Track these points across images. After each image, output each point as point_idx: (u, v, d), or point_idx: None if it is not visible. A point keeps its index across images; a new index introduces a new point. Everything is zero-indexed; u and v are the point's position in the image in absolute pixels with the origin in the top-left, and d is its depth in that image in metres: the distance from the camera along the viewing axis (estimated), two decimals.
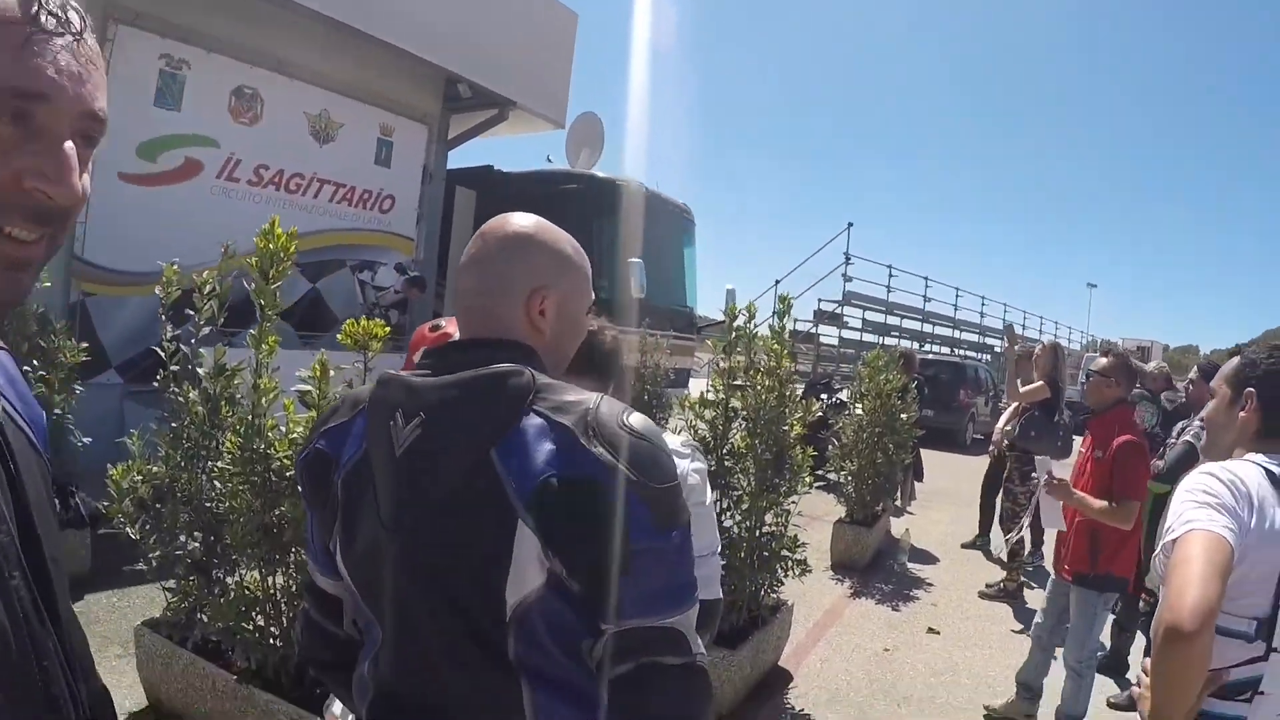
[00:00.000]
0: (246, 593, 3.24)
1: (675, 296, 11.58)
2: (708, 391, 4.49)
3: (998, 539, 7.12)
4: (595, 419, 1.09)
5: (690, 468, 2.27)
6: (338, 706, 1.90)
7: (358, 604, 1.24)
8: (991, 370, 21.18)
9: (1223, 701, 1.71)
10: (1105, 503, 3.73)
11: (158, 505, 3.47)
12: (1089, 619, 3.89)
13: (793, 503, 4.57)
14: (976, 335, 28.84)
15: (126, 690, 3.73)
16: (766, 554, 4.41)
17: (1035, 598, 6.04)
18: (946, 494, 10.16)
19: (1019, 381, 6.67)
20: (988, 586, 6.68)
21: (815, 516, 8.22)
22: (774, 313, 4.62)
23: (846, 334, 21.49)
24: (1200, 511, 1.66)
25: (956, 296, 26.73)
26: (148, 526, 3.44)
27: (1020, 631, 5.62)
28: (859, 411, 7.48)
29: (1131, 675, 4.70)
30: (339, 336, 3.12)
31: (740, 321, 4.38)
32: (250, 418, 3.09)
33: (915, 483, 9.69)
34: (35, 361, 5.02)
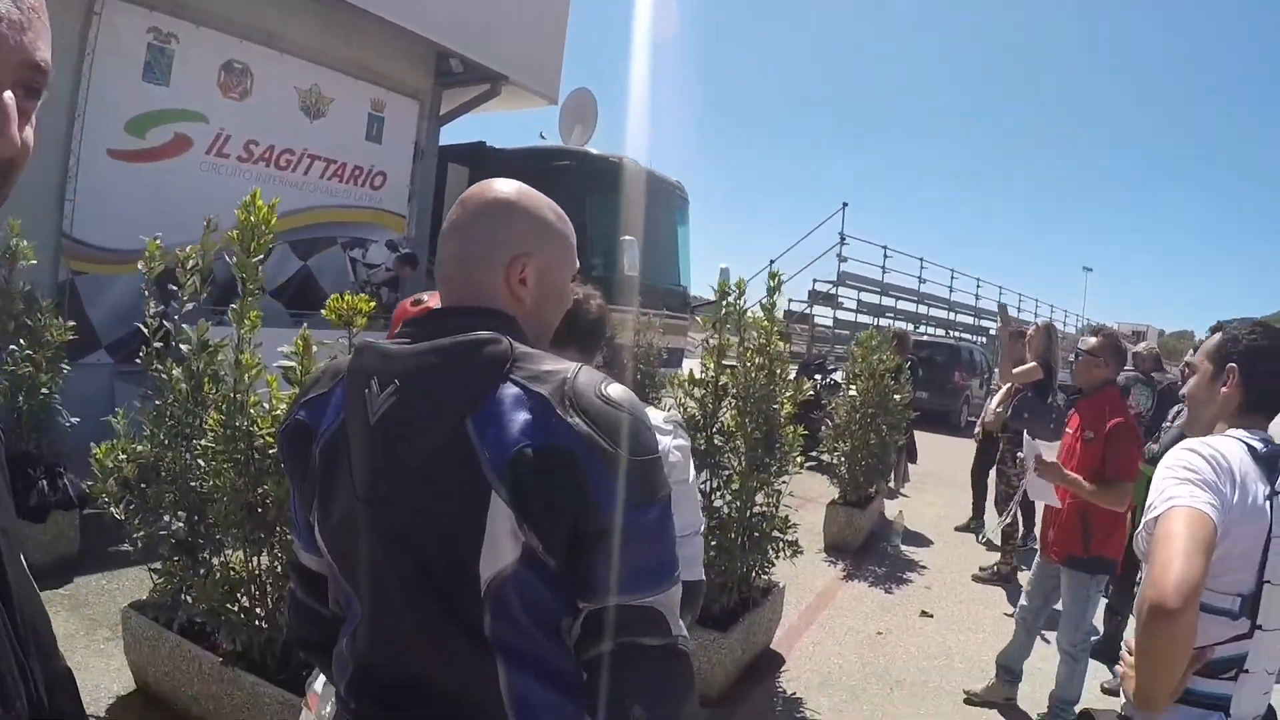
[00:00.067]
0: (232, 573, 3.20)
1: (669, 275, 11.51)
2: (698, 370, 4.45)
3: (993, 521, 7.11)
4: (572, 388, 1.06)
5: (671, 444, 2.24)
6: (319, 683, 1.87)
7: (337, 579, 1.21)
8: (986, 353, 21.18)
9: (1207, 680, 1.69)
10: (1097, 484, 3.70)
11: (143, 485, 3.43)
12: (1081, 602, 3.87)
13: (783, 483, 4.54)
14: (972, 317, 28.83)
15: (115, 673, 3.71)
16: (757, 534, 4.38)
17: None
18: (941, 476, 10.15)
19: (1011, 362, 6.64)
20: (981, 570, 6.67)
21: (809, 498, 8.20)
22: (766, 290, 4.57)
23: (841, 315, 21.47)
24: (1182, 488, 1.64)
25: (952, 278, 26.69)
26: (132, 507, 3.40)
27: (1014, 615, 5.61)
28: (852, 392, 7.44)
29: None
30: (324, 312, 3.07)
31: (731, 299, 4.32)
32: (233, 394, 3.04)
33: (909, 464, 9.68)
34: (22, 340, 4.96)
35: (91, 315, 6.61)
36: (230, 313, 3.10)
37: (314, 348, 2.90)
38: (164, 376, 3.36)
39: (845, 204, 20.28)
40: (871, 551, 7.13)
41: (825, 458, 7.50)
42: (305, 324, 3.03)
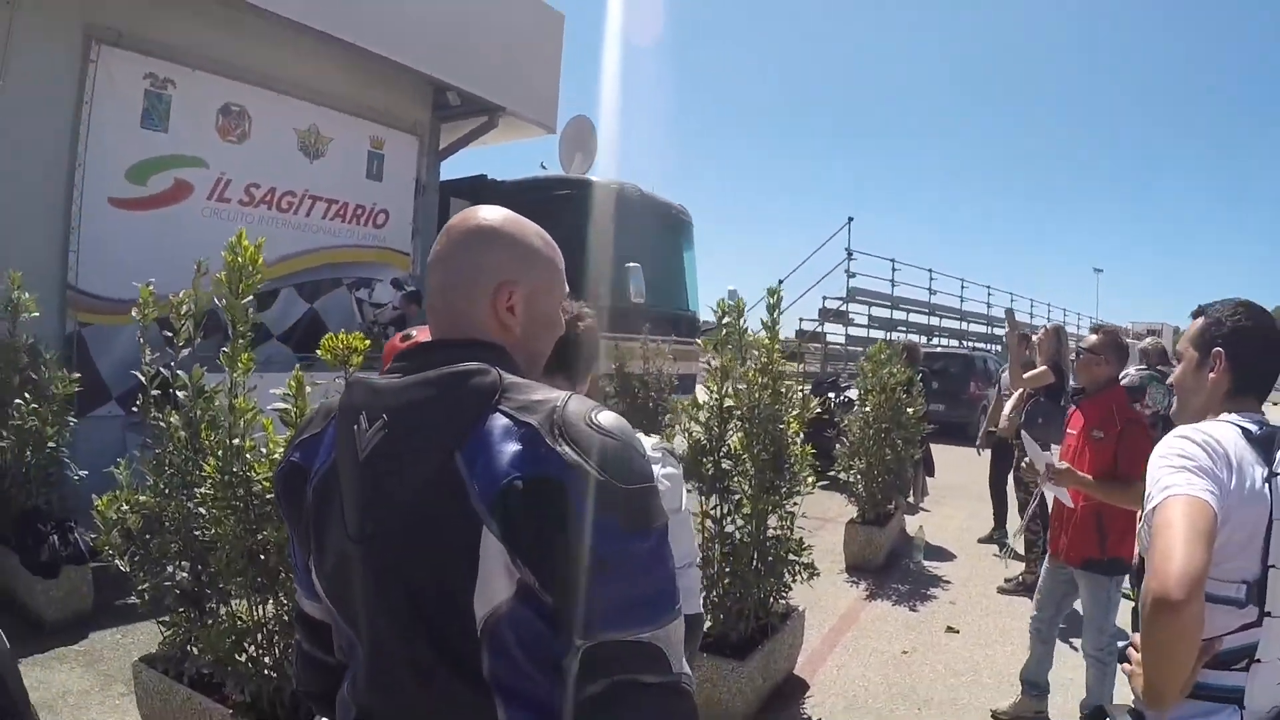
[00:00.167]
0: (239, 622, 3.15)
1: (676, 300, 11.47)
2: (692, 392, 4.39)
3: (1015, 530, 6.99)
4: (562, 417, 1.03)
5: (660, 473, 2.17)
6: None
7: (338, 623, 1.17)
8: (1000, 361, 21.06)
9: (1218, 672, 1.62)
10: (1111, 484, 3.62)
11: (147, 536, 3.39)
12: (1103, 604, 3.78)
13: (794, 504, 4.45)
14: (984, 326, 28.71)
15: None
16: (771, 558, 4.29)
17: None
18: (961, 489, 10.01)
19: (1021, 367, 6.56)
20: (1006, 581, 6.55)
21: (828, 519, 8.12)
22: (766, 307, 4.50)
23: (853, 331, 21.42)
24: (1178, 476, 1.58)
25: (962, 288, 26.64)
26: (137, 558, 3.36)
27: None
28: (865, 408, 7.36)
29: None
30: (319, 352, 3.03)
31: (730, 319, 4.26)
32: (228, 440, 3.00)
33: (927, 478, 9.57)
34: (27, 394, 4.95)
35: (100, 366, 6.57)
36: (222, 356, 3.06)
37: (308, 389, 2.85)
38: (162, 425, 3.32)
39: (851, 218, 20.20)
40: (894, 569, 7.01)
41: (841, 476, 7.41)
42: (297, 365, 2.97)
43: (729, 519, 4.28)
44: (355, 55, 8.05)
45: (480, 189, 10.67)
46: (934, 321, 25.94)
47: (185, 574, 3.25)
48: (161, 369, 3.44)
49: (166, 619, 3.37)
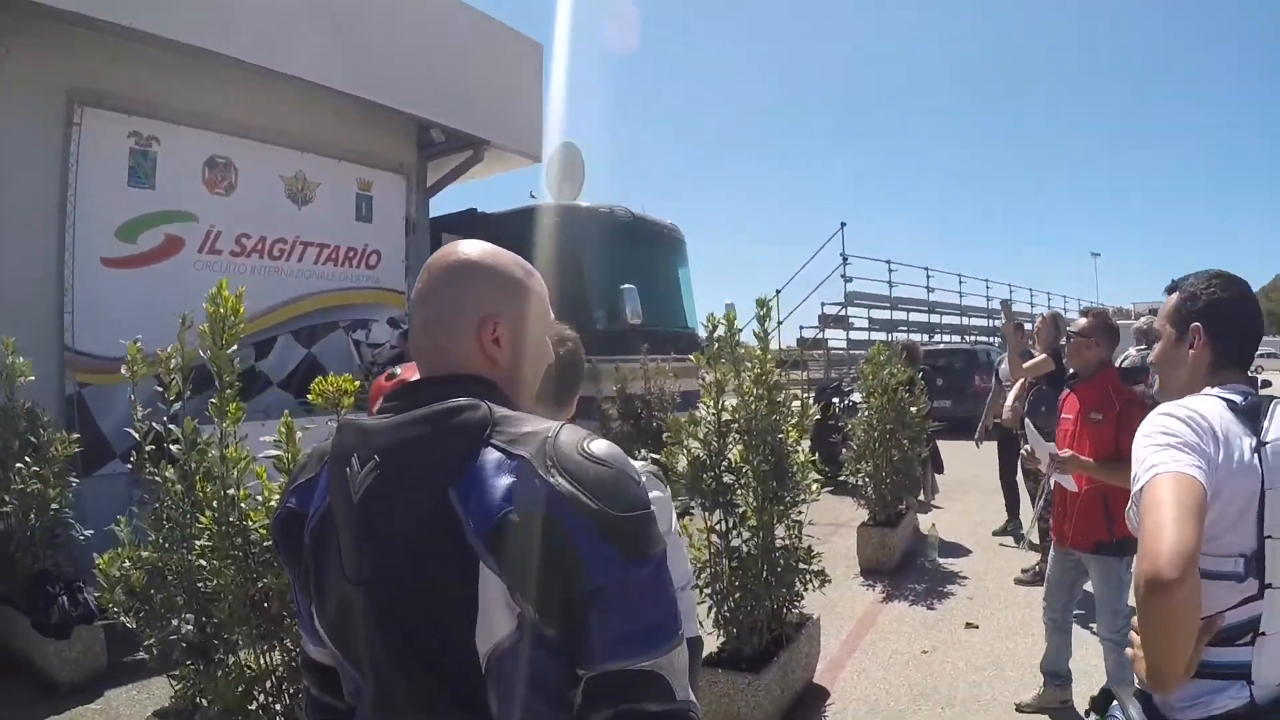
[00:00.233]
0: (247, 671, 3.14)
1: (674, 318, 11.47)
2: (696, 409, 4.38)
3: (1029, 520, 6.96)
4: (554, 448, 1.03)
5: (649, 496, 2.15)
6: None
7: (344, 667, 1.16)
8: (1000, 352, 21.03)
9: (1222, 648, 1.59)
10: (1115, 465, 3.59)
11: (151, 591, 3.39)
12: (1114, 586, 3.75)
13: (799, 513, 4.43)
14: (985, 319, 28.68)
15: None
16: (781, 569, 4.26)
17: None
18: (971, 483, 9.97)
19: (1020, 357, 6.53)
20: (1023, 572, 6.52)
21: (840, 523, 8.11)
22: (757, 319, 4.49)
23: (854, 335, 21.38)
24: (1163, 454, 1.56)
25: (960, 283, 26.62)
26: (142, 614, 3.36)
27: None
28: (867, 411, 7.34)
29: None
30: (309, 396, 3.04)
31: (721, 331, 4.26)
32: (222, 491, 3.00)
33: (936, 475, 9.55)
34: (27, 458, 4.96)
35: (103, 425, 6.59)
36: (210, 407, 3.07)
37: (299, 433, 2.86)
38: (158, 480, 3.33)
39: (843, 224, 20.21)
40: (909, 569, 6.98)
41: (850, 480, 7.38)
42: (286, 412, 2.97)
43: (735, 532, 4.26)
44: (337, 100, 8.12)
45: (471, 223, 10.72)
46: (934, 319, 25.92)
47: (190, 626, 3.24)
48: (154, 424, 3.45)
49: (176, 672, 3.36)
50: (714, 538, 4.24)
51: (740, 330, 4.43)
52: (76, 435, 5.26)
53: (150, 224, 7.05)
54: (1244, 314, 1.82)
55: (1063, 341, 4.29)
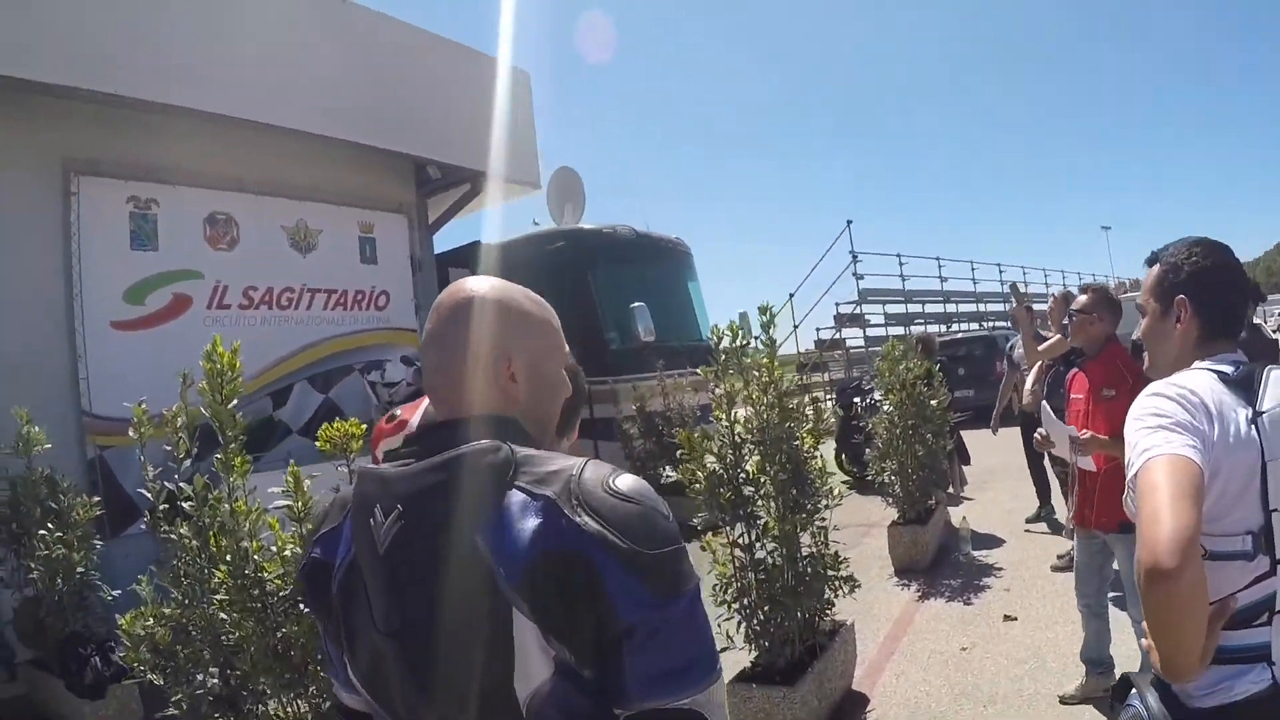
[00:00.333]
0: None
1: (687, 332, 11.46)
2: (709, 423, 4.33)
3: (1062, 505, 6.86)
4: (579, 486, 1.01)
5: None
6: None
7: (379, 715, 1.14)
8: (1013, 335, 20.90)
9: (1239, 631, 1.52)
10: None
11: (177, 647, 3.39)
12: None
13: (822, 519, 4.38)
14: (1001, 304, 28.51)
15: None
16: (809, 577, 4.20)
17: None
18: (1000, 471, 9.84)
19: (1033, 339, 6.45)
20: (1059, 558, 6.40)
21: (871, 523, 8.04)
22: (760, 326, 4.44)
23: (871, 332, 21.31)
24: (1155, 436, 1.49)
25: (973, 270, 26.50)
26: (168, 670, 3.36)
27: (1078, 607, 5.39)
28: (887, 407, 7.27)
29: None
30: (317, 443, 3.04)
31: (726, 343, 4.22)
32: (235, 544, 3.00)
33: (963, 467, 9.45)
34: (50, 524, 5.00)
35: (126, 487, 6.64)
36: (216, 463, 3.06)
37: (306, 481, 2.85)
38: (172, 538, 3.33)
39: (850, 222, 20.20)
40: (944, 565, 6.89)
41: (876, 479, 7.31)
42: (291, 461, 2.97)
43: (759, 544, 4.21)
44: (331, 147, 8.19)
45: (476, 255, 10.77)
46: (950, 309, 25.80)
47: (216, 679, 3.23)
48: (167, 483, 3.46)
49: None
50: (737, 551, 4.19)
51: (749, 341, 4.39)
52: (97, 499, 5.32)
53: (157, 285, 7.13)
54: (1228, 281, 1.75)
55: (1065, 321, 4.22)
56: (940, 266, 24.09)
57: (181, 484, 3.23)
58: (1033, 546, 7.09)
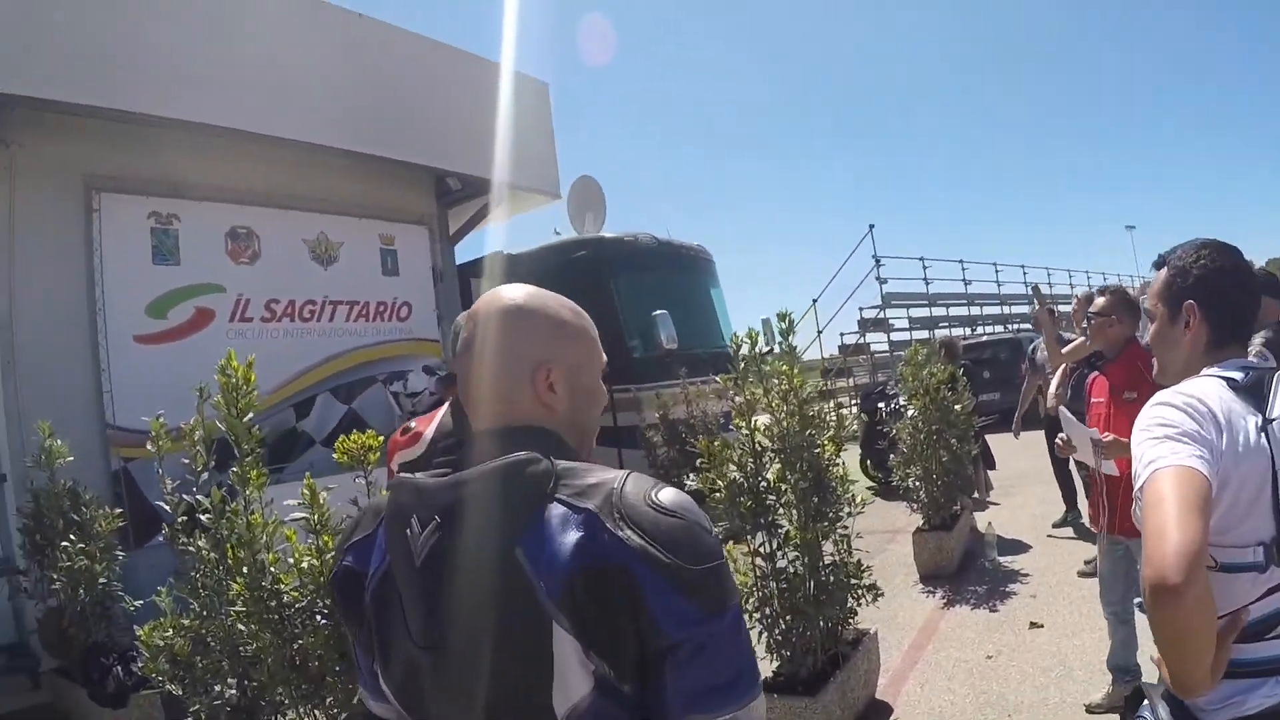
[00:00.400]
0: None
1: (711, 339, 11.42)
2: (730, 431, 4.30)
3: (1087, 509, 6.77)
4: (620, 499, 0.99)
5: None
6: None
7: None
8: (1036, 337, 20.73)
9: (1252, 644, 1.47)
10: None
11: (196, 658, 3.40)
12: None
13: (844, 527, 4.33)
14: (1026, 306, 28.25)
15: None
16: (831, 586, 4.15)
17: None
18: (1027, 475, 9.73)
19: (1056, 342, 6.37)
20: (1086, 563, 6.30)
21: (896, 529, 7.96)
22: (778, 333, 4.41)
23: (895, 336, 21.17)
24: (1161, 447, 1.45)
25: (997, 271, 26.25)
26: (186, 681, 3.37)
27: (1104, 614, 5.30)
28: (911, 412, 7.21)
29: None
30: (334, 455, 3.04)
31: (745, 350, 4.19)
32: (252, 556, 3.00)
33: (988, 472, 9.35)
34: (73, 536, 5.05)
35: (150, 498, 6.69)
36: (232, 476, 3.07)
37: (322, 493, 2.86)
38: (190, 550, 3.35)
39: (872, 225, 20.10)
40: (969, 571, 6.81)
41: (900, 485, 7.24)
42: (307, 473, 2.98)
43: (780, 553, 4.17)
44: (352, 160, 8.26)
45: (497, 265, 10.80)
46: (974, 311, 25.60)
47: (234, 690, 3.24)
48: (185, 496, 3.48)
49: None
50: (759, 561, 4.15)
51: (772, 347, 4.36)
52: (119, 511, 5.38)
53: (179, 299, 7.21)
54: (1238, 284, 1.69)
55: (1083, 324, 4.16)
56: (964, 269, 23.94)
57: (199, 497, 3.24)
58: (1059, 552, 7.00)
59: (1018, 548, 7.31)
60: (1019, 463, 9.80)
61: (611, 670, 0.96)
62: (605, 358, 1.25)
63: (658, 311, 9.93)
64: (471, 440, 1.11)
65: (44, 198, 6.46)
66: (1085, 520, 7.08)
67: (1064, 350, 6.08)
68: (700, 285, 11.99)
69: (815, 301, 20.65)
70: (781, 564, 4.13)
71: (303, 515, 2.87)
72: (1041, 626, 5.29)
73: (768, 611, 4.10)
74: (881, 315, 20.72)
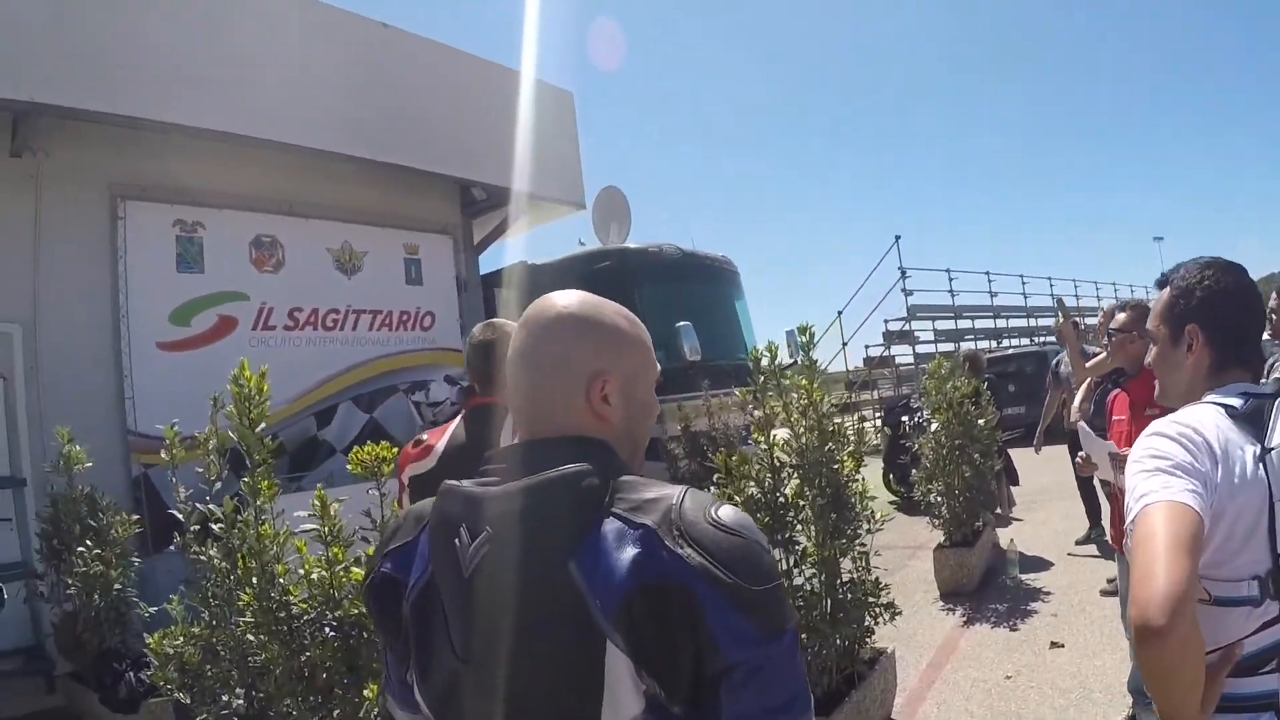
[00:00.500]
0: None
1: (734, 351, 11.36)
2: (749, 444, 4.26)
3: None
4: (680, 516, 0.96)
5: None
6: None
7: None
8: (1059, 350, 20.52)
9: (1246, 679, 1.42)
10: None
11: (205, 666, 3.41)
12: None
13: (863, 544, 4.27)
14: (1052, 318, 27.96)
15: None
16: (848, 604, 4.10)
17: None
18: (1051, 491, 9.61)
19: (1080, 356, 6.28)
20: (1109, 582, 6.20)
21: (918, 545, 7.87)
22: (800, 346, 4.37)
23: (920, 349, 21.00)
24: (1153, 481, 1.40)
25: (1023, 284, 26.01)
26: (195, 689, 3.38)
27: (1125, 634, 5.20)
28: (934, 426, 7.13)
29: None
30: (348, 466, 3.04)
31: (765, 363, 4.15)
32: (261, 567, 3.00)
33: (1011, 488, 9.24)
34: (89, 541, 5.09)
35: (169, 504, 6.74)
36: (243, 486, 3.07)
37: (334, 505, 2.85)
38: (202, 559, 3.36)
39: (898, 236, 20.02)
40: (990, 589, 6.72)
41: (922, 500, 7.17)
42: (319, 485, 2.98)
43: (797, 570, 4.12)
44: (376, 169, 8.29)
45: (521, 275, 10.80)
46: (1000, 324, 25.38)
47: (241, 700, 3.24)
48: (198, 505, 3.49)
49: None
50: None
51: (795, 360, 4.32)
52: (136, 517, 5.40)
53: (202, 306, 7.26)
54: (1242, 305, 1.64)
55: (1104, 341, 4.10)
56: (990, 281, 23.73)
57: (212, 506, 3.25)
58: (1082, 570, 6.90)
59: (1039, 565, 7.22)
60: (1042, 477, 9.68)
61: (663, 690, 0.93)
62: (659, 368, 1.22)
63: (681, 323, 9.89)
64: (522, 450, 1.08)
65: (69, 205, 6.53)
66: (1109, 538, 6.98)
67: (1088, 365, 6.00)
68: (725, 297, 11.93)
69: (840, 313, 20.55)
70: (798, 581, 4.08)
71: (313, 526, 2.86)
72: (1062, 646, 5.21)
73: None
74: (907, 327, 20.57)
